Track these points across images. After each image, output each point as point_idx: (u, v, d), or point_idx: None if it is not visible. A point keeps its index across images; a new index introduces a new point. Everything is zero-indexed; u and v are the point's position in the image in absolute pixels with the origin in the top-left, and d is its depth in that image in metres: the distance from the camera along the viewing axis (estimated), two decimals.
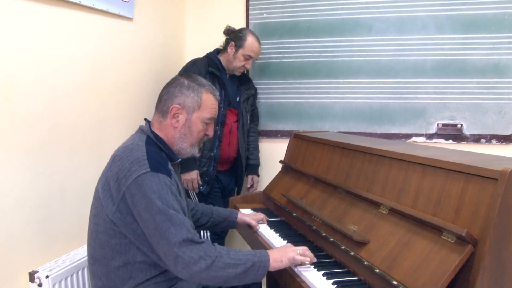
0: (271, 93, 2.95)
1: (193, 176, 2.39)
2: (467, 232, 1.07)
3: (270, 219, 2.01)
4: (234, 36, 2.57)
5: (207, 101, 1.51)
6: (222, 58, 2.59)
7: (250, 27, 2.91)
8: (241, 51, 2.53)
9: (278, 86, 2.93)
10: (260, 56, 2.65)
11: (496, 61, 2.53)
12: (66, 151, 1.88)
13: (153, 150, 1.42)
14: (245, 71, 2.64)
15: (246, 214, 1.96)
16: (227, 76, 2.62)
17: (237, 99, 2.65)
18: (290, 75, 2.90)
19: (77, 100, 1.95)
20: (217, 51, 2.65)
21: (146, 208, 1.30)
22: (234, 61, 2.54)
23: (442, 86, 2.63)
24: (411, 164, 1.42)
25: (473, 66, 2.57)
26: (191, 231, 1.31)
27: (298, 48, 2.87)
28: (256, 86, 2.94)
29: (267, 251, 1.40)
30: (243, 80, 2.72)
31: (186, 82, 1.50)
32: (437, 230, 1.18)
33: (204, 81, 1.54)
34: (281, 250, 1.42)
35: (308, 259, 1.42)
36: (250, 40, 2.54)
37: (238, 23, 2.95)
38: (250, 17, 2.92)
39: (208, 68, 2.47)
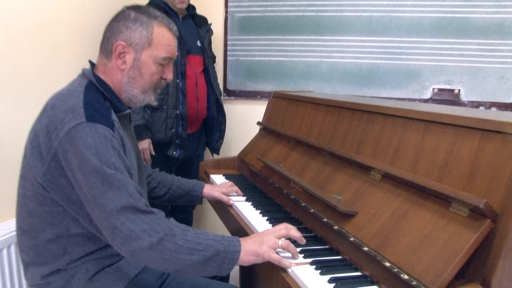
0: (251, 50, 2.69)
1: (144, 145, 2.07)
2: (486, 203, 0.83)
3: (243, 187, 1.75)
4: None
5: (160, 36, 1.21)
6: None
7: None
8: None
9: (259, 42, 2.67)
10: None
11: (500, 21, 2.30)
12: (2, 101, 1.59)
13: (94, 96, 1.13)
14: (189, 1, 2.26)
15: (214, 186, 1.67)
16: (180, 19, 2.27)
17: (198, 44, 2.32)
18: (273, 31, 2.64)
19: (22, 43, 1.64)
20: None
21: (79, 167, 1.03)
22: None
23: (439, 47, 2.41)
24: (409, 121, 1.16)
25: (474, 25, 2.34)
26: (134, 196, 1.03)
27: (281, 0, 2.59)
28: (235, 42, 2.66)
29: (241, 239, 1.11)
30: (200, 22, 2.38)
31: (132, 14, 1.20)
32: (444, 200, 0.93)
33: (156, 12, 1.24)
34: (257, 240, 1.11)
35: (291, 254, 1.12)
36: None
37: None
38: None
39: None
